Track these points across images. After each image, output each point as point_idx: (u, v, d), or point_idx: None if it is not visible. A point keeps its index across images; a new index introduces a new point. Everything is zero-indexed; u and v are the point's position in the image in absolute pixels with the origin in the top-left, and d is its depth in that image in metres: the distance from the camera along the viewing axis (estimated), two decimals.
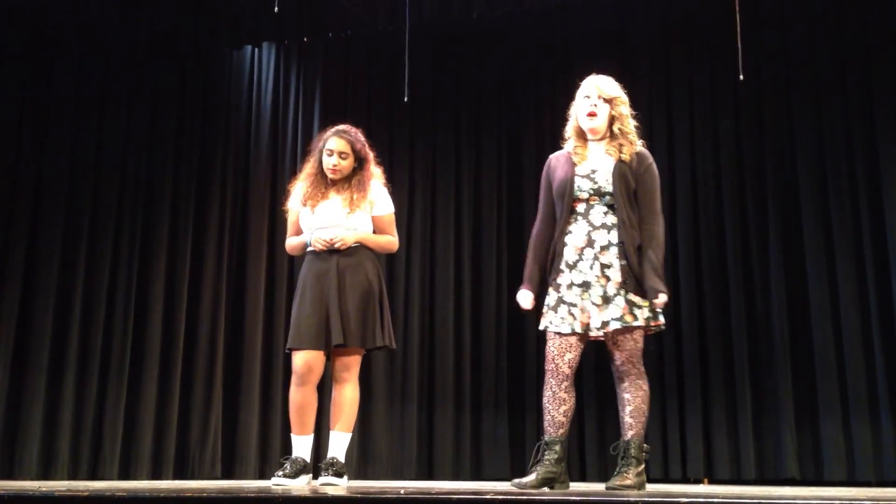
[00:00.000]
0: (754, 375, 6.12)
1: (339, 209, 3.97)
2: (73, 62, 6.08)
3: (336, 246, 3.92)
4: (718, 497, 2.42)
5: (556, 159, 3.60)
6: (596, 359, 5.90)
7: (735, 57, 5.61)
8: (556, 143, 3.70)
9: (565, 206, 3.46)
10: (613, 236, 3.40)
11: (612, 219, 3.42)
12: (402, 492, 2.56)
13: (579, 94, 3.56)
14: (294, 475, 3.81)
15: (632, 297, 3.35)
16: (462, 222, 7.00)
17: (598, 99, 3.50)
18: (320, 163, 4.05)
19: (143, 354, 6.02)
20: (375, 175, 4.10)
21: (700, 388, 6.20)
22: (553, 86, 6.79)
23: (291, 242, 4.15)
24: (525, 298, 3.56)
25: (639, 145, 3.53)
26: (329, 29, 6.87)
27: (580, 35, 6.90)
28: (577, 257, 3.42)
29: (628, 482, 3.29)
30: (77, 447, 5.68)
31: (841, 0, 6.31)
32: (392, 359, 6.58)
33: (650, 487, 3.70)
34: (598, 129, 3.52)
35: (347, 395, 3.91)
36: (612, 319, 3.33)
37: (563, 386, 3.39)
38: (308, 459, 3.91)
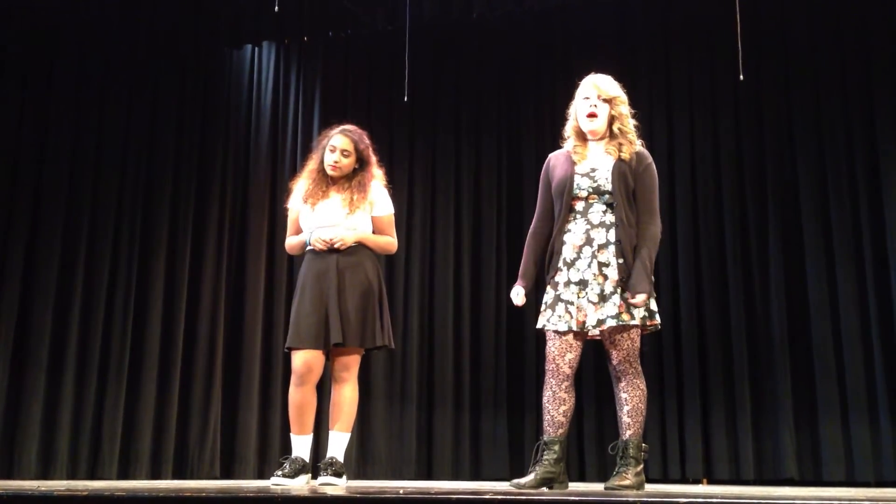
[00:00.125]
0: (753, 375, 6.12)
1: (339, 209, 3.97)
2: (73, 62, 6.07)
3: (336, 246, 3.92)
4: (717, 497, 2.41)
5: (555, 158, 3.61)
6: (595, 358, 5.90)
7: (735, 57, 5.60)
8: (556, 143, 3.70)
9: (564, 204, 3.46)
10: (612, 235, 3.40)
11: (610, 217, 3.42)
12: (401, 492, 2.56)
13: (578, 94, 3.56)
14: (293, 475, 3.81)
15: (628, 295, 3.35)
16: (462, 222, 7.00)
17: (597, 99, 3.49)
18: (322, 160, 4.05)
19: (142, 354, 6.02)
20: (377, 176, 4.09)
21: (699, 388, 6.21)
22: (553, 86, 6.79)
23: (291, 242, 4.14)
24: (517, 295, 3.57)
25: (638, 145, 3.53)
26: (329, 29, 6.88)
27: (580, 35, 6.90)
28: (575, 255, 3.43)
29: (627, 482, 3.28)
30: (76, 447, 5.67)
31: (841, 0, 6.32)
32: (391, 359, 6.59)
33: (649, 487, 3.69)
34: (598, 131, 3.51)
35: (347, 395, 3.92)
36: (609, 317, 3.33)
37: (563, 386, 3.39)
38: (307, 459, 3.92)
